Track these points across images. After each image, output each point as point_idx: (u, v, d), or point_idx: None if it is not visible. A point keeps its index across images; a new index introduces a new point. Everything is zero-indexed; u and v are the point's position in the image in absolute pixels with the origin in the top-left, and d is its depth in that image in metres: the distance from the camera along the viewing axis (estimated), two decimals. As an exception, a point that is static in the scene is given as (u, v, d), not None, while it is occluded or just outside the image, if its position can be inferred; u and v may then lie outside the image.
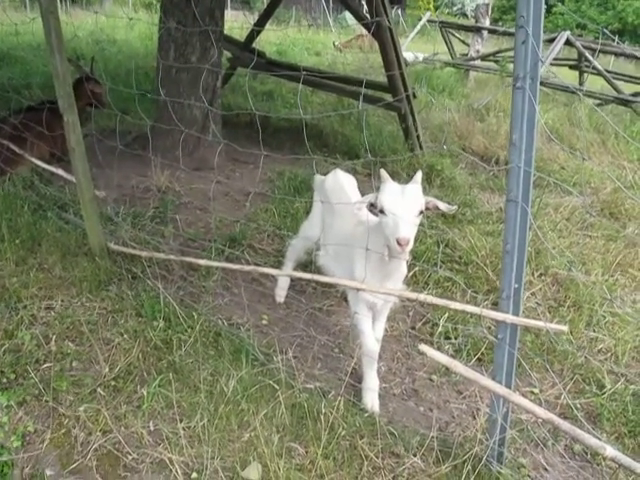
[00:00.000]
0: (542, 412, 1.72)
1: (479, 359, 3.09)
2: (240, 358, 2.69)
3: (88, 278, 3.20)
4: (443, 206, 2.31)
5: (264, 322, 3.25)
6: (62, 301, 3.05)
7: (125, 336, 2.78)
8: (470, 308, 1.96)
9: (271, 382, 2.49)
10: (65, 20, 5.22)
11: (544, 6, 1.62)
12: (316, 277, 2.27)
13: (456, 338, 3.22)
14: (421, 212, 2.24)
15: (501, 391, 1.82)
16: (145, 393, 2.44)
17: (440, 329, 3.23)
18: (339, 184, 3.11)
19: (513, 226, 1.81)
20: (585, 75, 11.13)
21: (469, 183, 5.62)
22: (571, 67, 11.49)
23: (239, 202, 4.73)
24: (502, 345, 1.99)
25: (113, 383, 2.52)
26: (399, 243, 2.12)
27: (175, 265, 3.45)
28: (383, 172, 2.35)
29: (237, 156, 5.90)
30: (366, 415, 2.53)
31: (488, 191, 5.61)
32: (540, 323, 1.84)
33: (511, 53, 12.28)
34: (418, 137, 5.91)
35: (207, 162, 5.42)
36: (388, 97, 6.02)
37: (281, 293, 3.49)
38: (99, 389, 2.48)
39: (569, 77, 12.27)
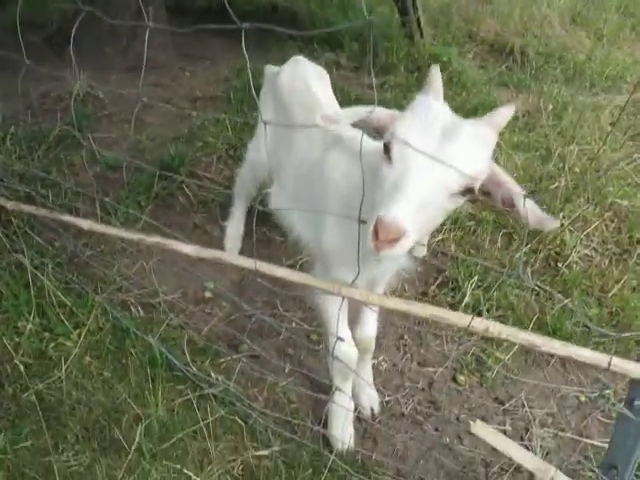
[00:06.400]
0: None
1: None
2: (157, 375, 1.67)
3: None
4: (527, 208, 1.02)
5: (207, 294, 2.21)
6: None
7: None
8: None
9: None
10: None
11: None
12: (261, 266, 1.19)
13: (489, 310, 2.21)
14: (469, 191, 1.06)
15: None
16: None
17: (467, 299, 2.21)
18: (302, 81, 1.92)
19: None
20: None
21: (481, 79, 4.41)
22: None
23: (183, 112, 3.53)
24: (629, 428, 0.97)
25: None
26: (376, 230, 0.99)
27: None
28: (434, 70, 1.15)
29: (189, 51, 4.65)
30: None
31: (504, 88, 4.41)
32: None
33: None
34: (419, 20, 4.57)
35: (147, 60, 4.15)
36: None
37: (232, 244, 2.42)
38: None
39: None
